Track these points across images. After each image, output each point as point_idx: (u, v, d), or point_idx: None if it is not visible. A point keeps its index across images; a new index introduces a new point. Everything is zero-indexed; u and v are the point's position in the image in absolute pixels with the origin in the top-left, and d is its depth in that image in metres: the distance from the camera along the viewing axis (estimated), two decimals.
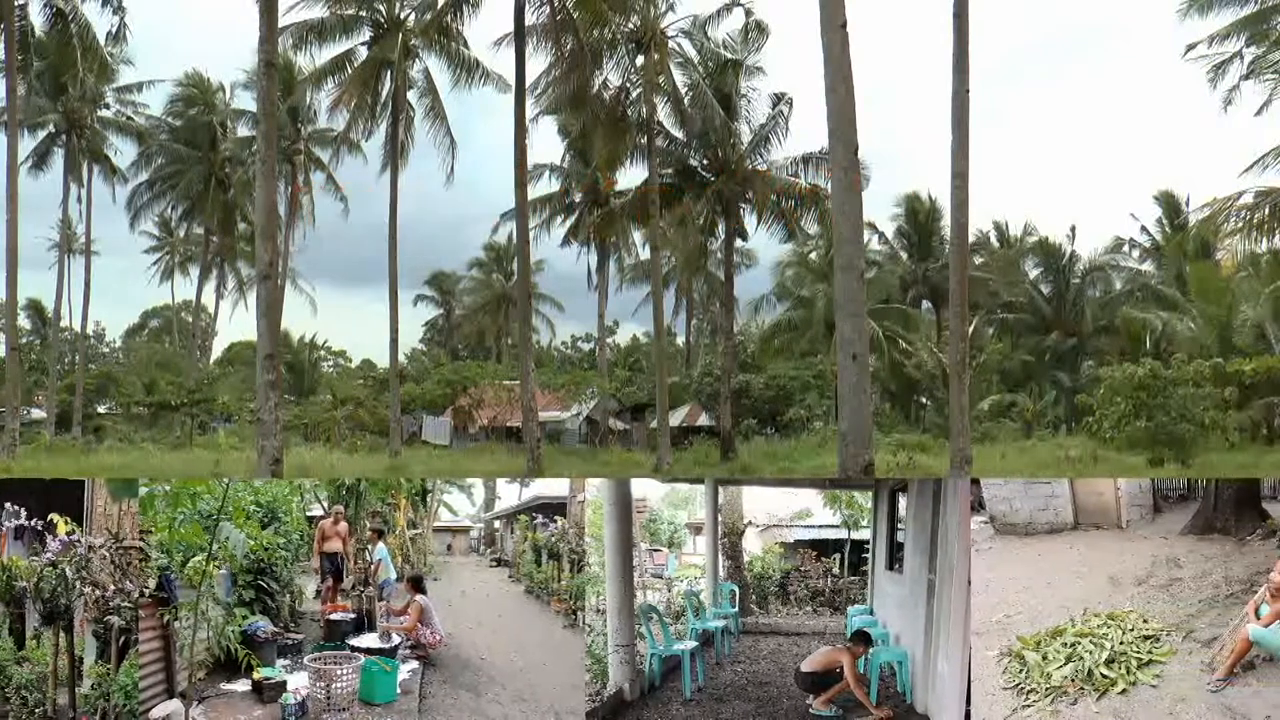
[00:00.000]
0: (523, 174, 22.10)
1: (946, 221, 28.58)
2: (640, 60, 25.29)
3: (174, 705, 7.08)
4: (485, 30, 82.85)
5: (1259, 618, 6.90)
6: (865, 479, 12.14)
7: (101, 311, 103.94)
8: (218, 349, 59.31)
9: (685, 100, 26.93)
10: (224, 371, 52.69)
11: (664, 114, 27.04)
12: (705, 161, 28.38)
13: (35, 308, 53.00)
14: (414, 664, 8.97)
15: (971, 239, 27.02)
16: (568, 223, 42.81)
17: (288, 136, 38.28)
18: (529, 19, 21.67)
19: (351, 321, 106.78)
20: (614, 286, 48.25)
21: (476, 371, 43.32)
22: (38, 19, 28.29)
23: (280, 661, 8.57)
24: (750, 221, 29.72)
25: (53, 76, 34.11)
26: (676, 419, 36.00)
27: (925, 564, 8.83)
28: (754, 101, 28.16)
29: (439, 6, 24.13)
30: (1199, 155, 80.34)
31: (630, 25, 24.62)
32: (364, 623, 10.45)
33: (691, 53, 27.39)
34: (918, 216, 44.80)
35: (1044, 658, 7.24)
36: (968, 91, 14.47)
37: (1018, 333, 42.93)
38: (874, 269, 39.04)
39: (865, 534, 14.68)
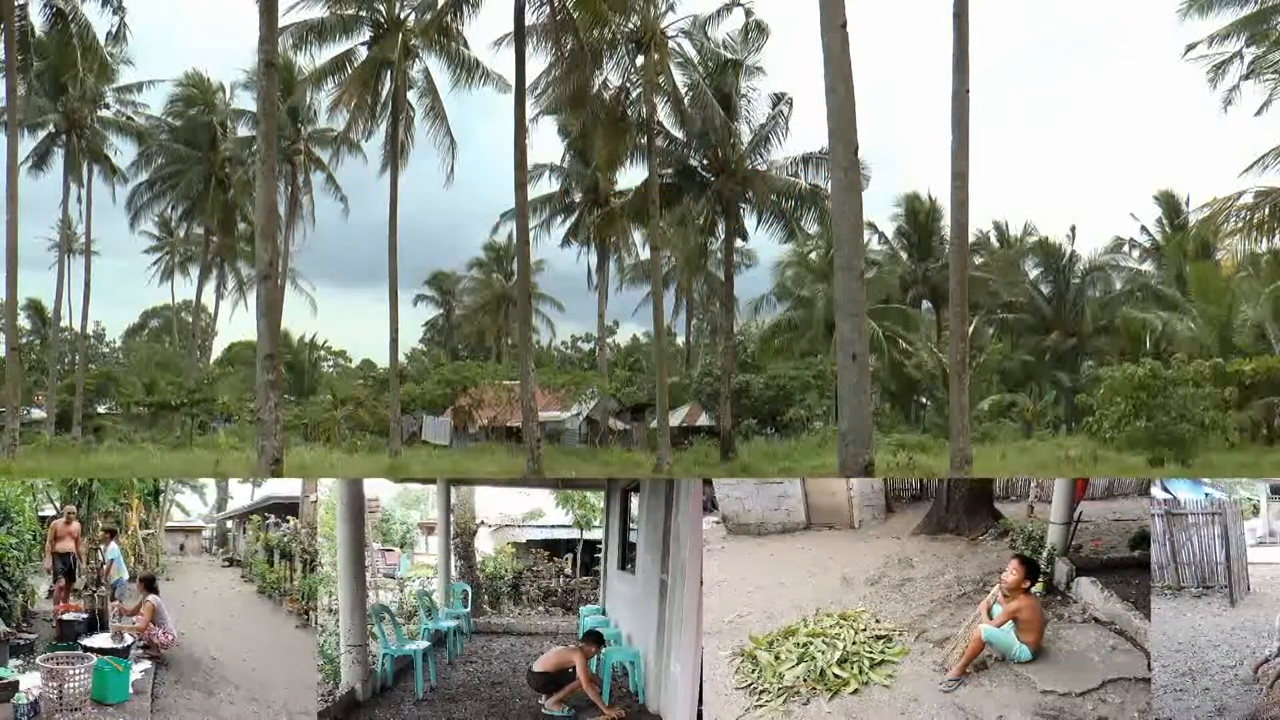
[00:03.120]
0: (523, 174, 22.10)
1: (946, 221, 28.67)
2: (640, 60, 25.28)
3: None
4: (485, 30, 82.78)
5: (991, 618, 6.99)
6: (598, 479, 12.11)
7: (101, 311, 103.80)
8: (218, 349, 59.37)
9: (685, 100, 26.93)
10: (224, 371, 52.66)
11: (664, 114, 27.07)
12: (705, 161, 28.38)
13: (35, 308, 52.97)
14: (146, 664, 8.82)
15: (971, 239, 27.04)
16: (568, 223, 42.85)
17: (288, 136, 38.28)
18: (529, 19, 21.67)
19: (351, 321, 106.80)
20: (614, 286, 48.28)
21: (476, 371, 43.32)
22: (38, 19, 28.32)
23: (12, 662, 8.39)
24: (750, 221, 29.79)
25: (53, 76, 34.08)
26: (676, 419, 36.00)
27: (657, 564, 8.81)
28: (754, 101, 28.24)
29: (439, 6, 24.13)
30: (1199, 155, 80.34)
31: (630, 25, 24.61)
32: (96, 623, 10.25)
33: (691, 53, 27.41)
34: (918, 216, 44.79)
35: (776, 658, 7.21)
36: (968, 91, 14.48)
37: (1018, 333, 42.92)
38: (874, 269, 39.01)
39: (598, 534, 14.70)
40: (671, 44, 26.47)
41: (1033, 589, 7.24)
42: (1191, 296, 35.83)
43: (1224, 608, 8.65)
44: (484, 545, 16.02)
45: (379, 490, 15.26)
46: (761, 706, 6.63)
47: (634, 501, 11.63)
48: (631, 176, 31.85)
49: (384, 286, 28.80)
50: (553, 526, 16.91)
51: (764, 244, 76.85)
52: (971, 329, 23.95)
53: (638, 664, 9.21)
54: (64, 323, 42.24)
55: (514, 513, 17.11)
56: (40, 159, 36.71)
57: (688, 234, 33.49)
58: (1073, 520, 9.24)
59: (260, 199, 14.83)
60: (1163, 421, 19.96)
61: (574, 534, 16.31)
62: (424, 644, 9.63)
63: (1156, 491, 9.72)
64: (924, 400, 42.96)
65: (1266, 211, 17.96)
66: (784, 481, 13.17)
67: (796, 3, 18.74)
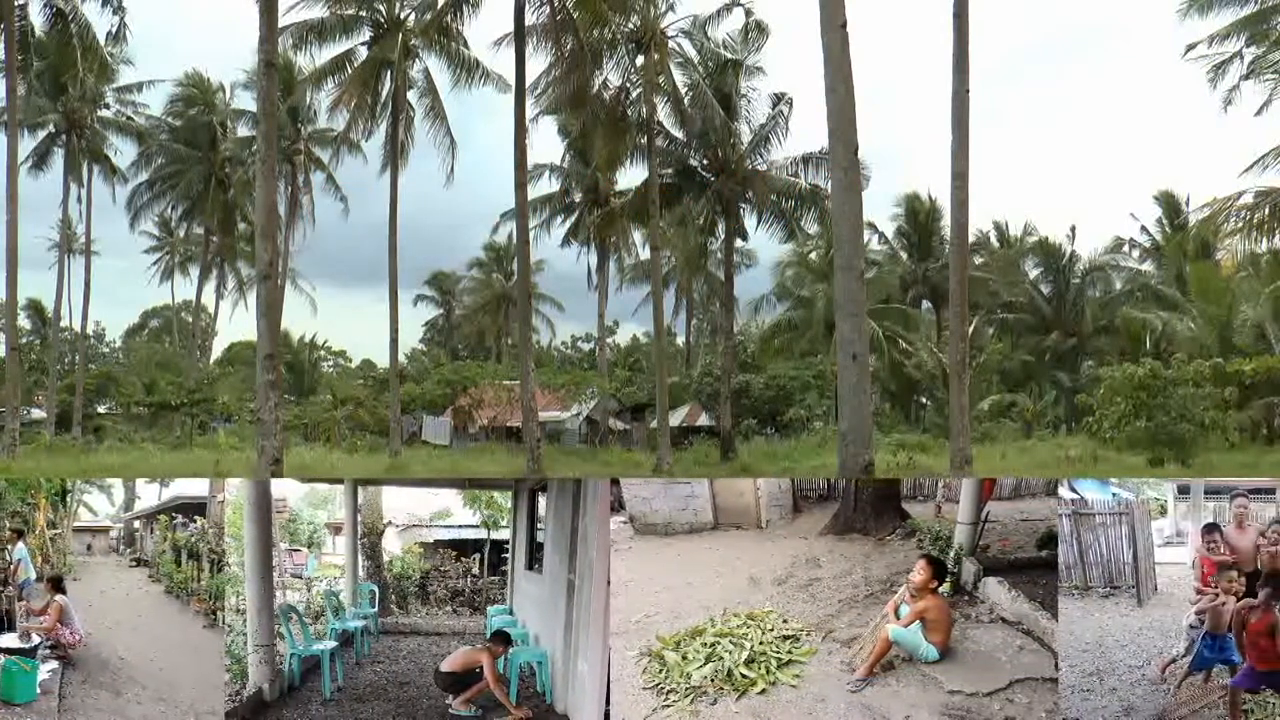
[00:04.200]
0: (523, 174, 22.09)
1: (946, 221, 28.67)
2: (640, 60, 25.28)
3: None
4: (485, 30, 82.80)
5: (898, 618, 7.00)
6: (505, 479, 12.08)
7: (101, 311, 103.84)
8: (218, 349, 59.37)
9: (685, 100, 26.93)
10: (224, 371, 52.65)
11: (664, 114, 27.07)
12: (705, 161, 28.38)
13: (35, 308, 52.95)
14: (54, 664, 8.73)
15: (971, 239, 27.04)
16: (568, 223, 42.82)
17: (288, 136, 38.27)
18: (529, 19, 21.66)
19: (351, 321, 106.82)
20: (614, 286, 48.27)
21: (476, 371, 43.32)
22: (38, 19, 28.32)
23: None
24: (750, 221, 29.79)
25: (53, 76, 34.08)
26: (676, 419, 36.00)
27: (565, 564, 8.79)
28: (754, 101, 28.24)
29: (439, 6, 24.12)
30: (1199, 155, 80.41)
31: (630, 25, 24.62)
32: (3, 623, 10.10)
33: (691, 53, 27.41)
34: (918, 216, 44.80)
35: (684, 658, 7.21)
36: (968, 91, 14.48)
37: (1018, 333, 42.92)
38: (874, 269, 39.02)
39: (505, 534, 14.67)
40: (671, 44, 26.48)
41: (940, 589, 7.26)
42: (1191, 296, 35.84)
43: (1131, 608, 8.60)
44: (391, 545, 15.96)
45: (286, 490, 15.29)
46: (669, 706, 6.62)
47: (541, 501, 11.57)
48: (631, 176, 31.89)
49: (384, 286, 28.83)
50: (460, 526, 16.85)
51: (764, 244, 76.97)
52: (971, 329, 23.95)
53: (545, 664, 9.20)
54: (64, 323, 42.26)
55: (421, 513, 17.06)
56: (40, 159, 36.71)
57: (688, 234, 33.49)
58: (980, 520, 9.28)
59: (260, 199, 14.82)
60: (1163, 421, 19.96)
61: (481, 534, 16.29)
62: (331, 644, 9.62)
63: (1064, 492, 9.69)
64: (924, 400, 42.96)
65: (1266, 211, 17.97)
66: (691, 482, 13.29)
67: (796, 3, 18.76)
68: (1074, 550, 8.94)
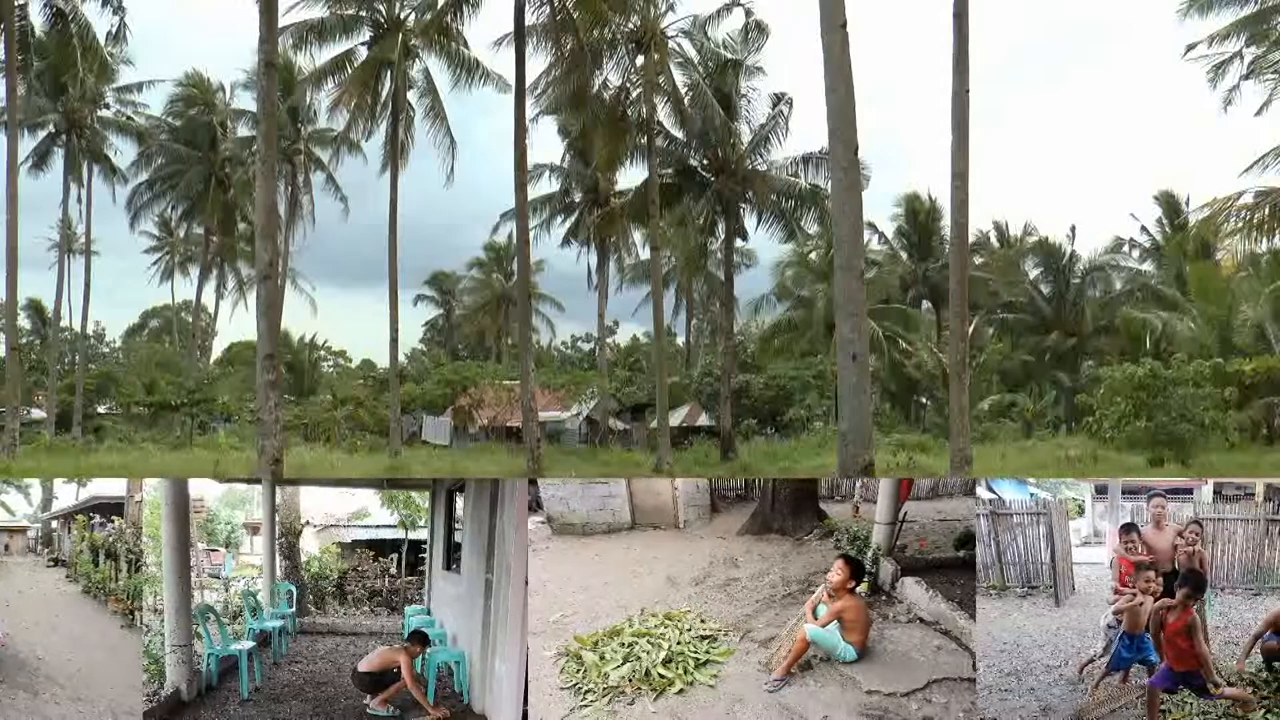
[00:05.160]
0: (523, 174, 22.09)
1: (946, 221, 28.63)
2: (640, 60, 25.28)
3: None
4: (485, 30, 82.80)
5: (816, 618, 7.00)
6: (423, 479, 12.03)
7: (101, 311, 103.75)
8: (218, 349, 59.37)
9: (685, 100, 26.92)
10: (224, 371, 52.63)
11: (664, 114, 27.07)
12: (705, 161, 28.38)
13: (35, 308, 52.96)
14: None
15: (971, 239, 27.02)
16: (568, 223, 42.70)
17: (288, 136, 38.26)
18: (529, 19, 21.67)
19: (351, 321, 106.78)
20: (614, 286, 48.13)
21: (476, 371, 43.34)
22: (38, 19, 28.36)
23: None
24: (750, 221, 29.78)
25: (53, 76, 34.09)
26: (676, 419, 36.00)
27: (482, 564, 8.76)
28: (754, 101, 28.23)
29: (439, 6, 24.13)
30: (1199, 155, 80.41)
31: (630, 25, 24.60)
32: None
33: (691, 53, 27.41)
34: (918, 216, 44.81)
35: (601, 658, 7.20)
36: (968, 91, 14.47)
37: (1018, 333, 42.91)
38: (874, 269, 39.00)
39: (423, 534, 14.60)
40: (671, 44, 26.48)
41: (858, 589, 7.27)
42: (1191, 296, 35.84)
43: (1049, 608, 8.63)
44: (309, 545, 15.92)
45: (204, 490, 15.31)
46: (586, 706, 6.60)
47: (459, 502, 11.51)
48: (631, 176, 31.86)
49: (384, 286, 28.86)
50: (378, 526, 16.85)
51: (764, 244, 76.88)
52: (971, 329, 23.92)
53: (463, 664, 9.17)
54: (64, 323, 42.28)
55: (339, 513, 17.04)
56: (40, 159, 36.72)
57: (688, 234, 33.46)
58: (898, 520, 9.29)
59: (260, 199, 14.83)
60: (1163, 421, 19.97)
61: (399, 534, 16.28)
62: (249, 644, 9.60)
63: (982, 491, 9.70)
64: (924, 400, 42.96)
65: (1266, 211, 17.93)
66: (609, 482, 13.21)
67: (796, 3, 18.77)
68: (992, 550, 8.96)
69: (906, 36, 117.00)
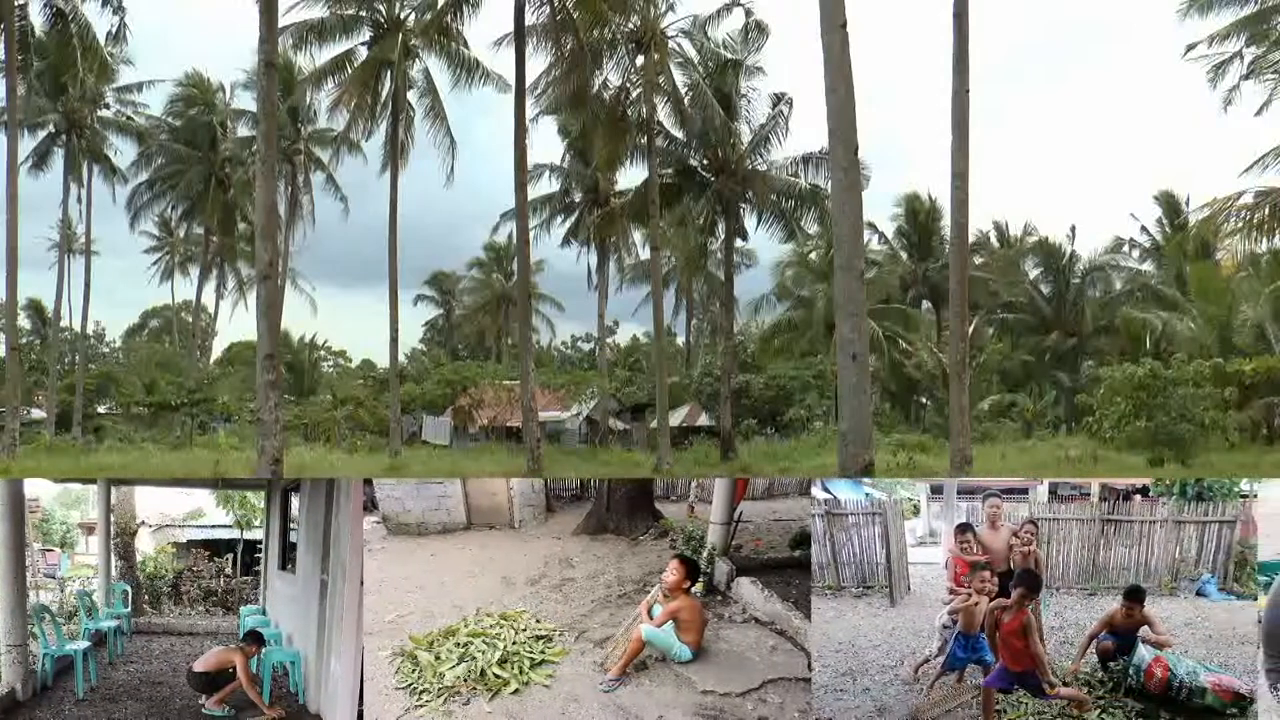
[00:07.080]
0: (523, 174, 22.10)
1: (946, 221, 28.60)
2: (640, 60, 25.28)
3: None
4: (485, 30, 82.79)
5: (652, 618, 7.03)
6: (267, 478, 12.12)
7: (101, 311, 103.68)
8: (218, 349, 59.31)
9: (685, 100, 26.92)
10: (224, 371, 52.63)
11: (664, 114, 27.07)
12: (705, 161, 28.38)
13: (35, 308, 52.93)
14: None
15: (971, 239, 27.00)
16: (568, 223, 42.69)
17: (288, 136, 38.26)
18: (529, 19, 21.68)
19: (351, 321, 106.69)
20: (614, 286, 48.10)
21: (476, 371, 43.33)
22: (38, 19, 28.30)
23: None
24: (750, 221, 29.78)
25: (53, 76, 34.06)
26: (676, 419, 35.99)
27: (318, 564, 8.75)
28: (754, 101, 28.23)
29: (439, 6, 24.13)
30: (1199, 155, 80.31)
31: (630, 25, 24.61)
32: None
33: (691, 53, 27.41)
34: (918, 216, 44.79)
35: (437, 657, 7.22)
36: (968, 91, 14.47)
37: (1018, 333, 42.90)
38: (874, 269, 38.99)
39: (259, 534, 14.59)
40: (671, 44, 26.48)
41: (693, 589, 7.30)
42: (1191, 296, 35.83)
43: (884, 607, 8.64)
44: (144, 545, 15.91)
45: (39, 490, 15.29)
46: (422, 706, 6.62)
47: (294, 501, 11.52)
48: (631, 176, 31.86)
49: (384, 286, 28.84)
50: (213, 526, 16.86)
51: (764, 244, 76.79)
52: (971, 329, 23.92)
53: (298, 664, 9.20)
54: (64, 323, 42.25)
55: (174, 512, 17.05)
56: (40, 159, 36.68)
57: (688, 234, 33.47)
58: (733, 520, 9.30)
59: (260, 199, 14.83)
60: (1163, 421, 19.97)
61: (235, 534, 16.29)
62: (84, 644, 9.62)
63: (817, 491, 9.67)
64: (924, 400, 42.94)
65: (1266, 211, 17.94)
66: (444, 482, 13.23)
67: (796, 3, 18.77)
68: (827, 550, 8.97)
69: (906, 36, 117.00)
